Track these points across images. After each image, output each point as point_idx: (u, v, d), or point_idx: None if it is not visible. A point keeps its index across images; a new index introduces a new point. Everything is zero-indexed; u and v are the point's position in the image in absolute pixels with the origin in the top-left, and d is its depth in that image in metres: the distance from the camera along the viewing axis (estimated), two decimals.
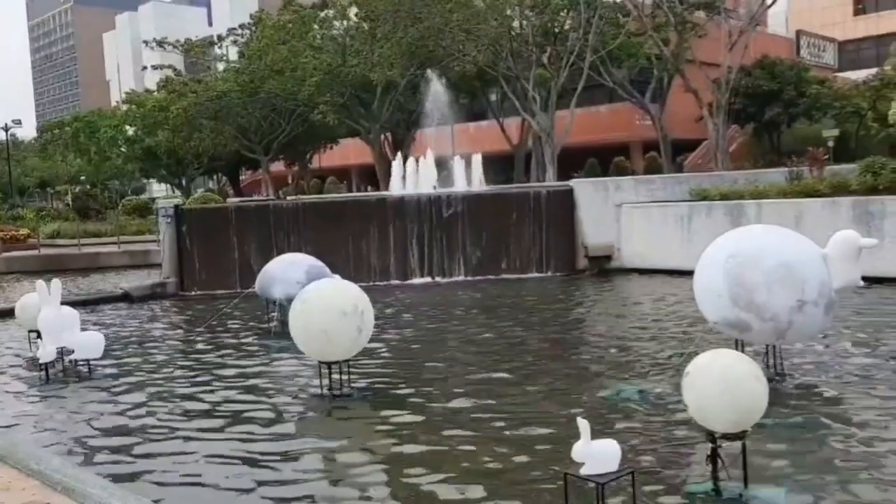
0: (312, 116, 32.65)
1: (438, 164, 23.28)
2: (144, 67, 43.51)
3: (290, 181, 60.34)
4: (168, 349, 11.83)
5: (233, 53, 41.63)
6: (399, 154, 25.23)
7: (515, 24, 28.83)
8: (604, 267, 17.94)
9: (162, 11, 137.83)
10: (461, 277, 17.99)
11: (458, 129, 53.80)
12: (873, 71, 50.09)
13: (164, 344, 12.30)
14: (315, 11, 35.39)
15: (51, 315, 10.14)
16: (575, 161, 40.37)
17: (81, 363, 10.16)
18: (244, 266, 18.04)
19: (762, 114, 42.42)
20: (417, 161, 23.74)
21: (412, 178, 23.20)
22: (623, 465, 4.61)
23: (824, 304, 7.71)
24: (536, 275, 18.04)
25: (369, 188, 51.37)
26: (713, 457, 5.34)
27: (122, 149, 44.78)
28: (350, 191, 55.92)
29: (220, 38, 38.01)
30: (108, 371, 10.29)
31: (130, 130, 43.42)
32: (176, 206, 17.95)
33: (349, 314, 8.27)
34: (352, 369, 8.78)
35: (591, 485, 4.53)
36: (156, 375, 9.98)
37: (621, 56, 35.50)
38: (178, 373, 10.07)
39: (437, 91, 38.51)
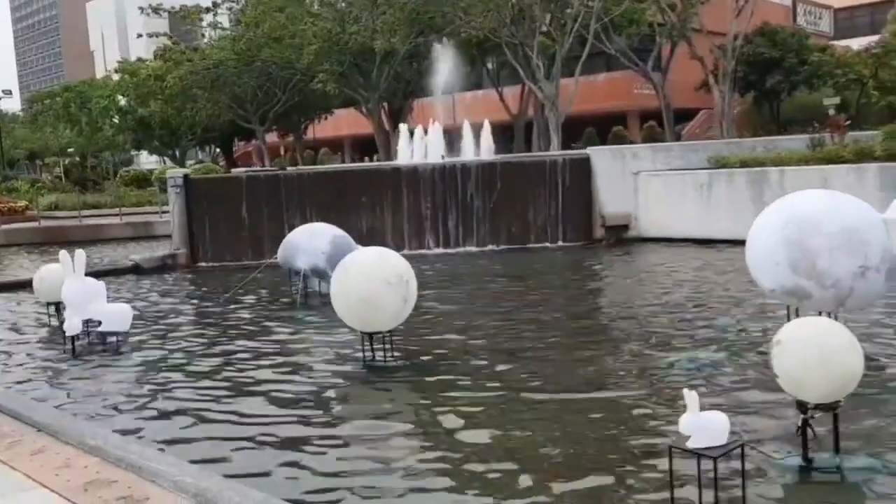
0: (312, 85, 32.07)
1: (445, 133, 22.93)
2: (140, 35, 42.52)
3: (282, 152, 59.64)
4: (192, 321, 11.56)
5: (226, 21, 40.79)
6: (404, 124, 24.80)
7: None
8: (621, 236, 17.73)
9: None
10: (476, 248, 17.76)
11: (456, 98, 53.28)
12: (873, 38, 49.81)
13: (188, 316, 12.02)
14: None
15: (76, 286, 9.82)
16: (572, 130, 39.99)
17: (109, 336, 9.88)
18: (255, 237, 17.75)
19: (763, 82, 42.07)
20: (425, 130, 23.36)
21: (419, 147, 22.85)
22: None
23: (886, 270, 7.52)
24: (553, 245, 17.83)
25: (365, 159, 50.85)
26: (804, 428, 5.16)
27: (115, 119, 44.01)
28: (344, 162, 55.34)
29: (216, 4, 37.16)
30: (137, 344, 10.02)
31: (123, 100, 42.63)
32: (185, 176, 17.57)
33: (394, 284, 8.02)
34: (392, 339, 8.52)
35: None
36: (185, 347, 9.73)
37: (623, 23, 35.01)
38: (208, 345, 9.81)
39: (438, 59, 38.00)
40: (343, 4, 32.56)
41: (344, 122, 56.05)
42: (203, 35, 38.28)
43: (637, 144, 21.61)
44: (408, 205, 17.80)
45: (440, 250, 17.69)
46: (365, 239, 16.78)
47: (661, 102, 35.95)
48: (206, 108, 37.10)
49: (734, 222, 16.21)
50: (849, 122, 16.86)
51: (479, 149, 22.54)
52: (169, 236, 22.86)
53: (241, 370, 8.51)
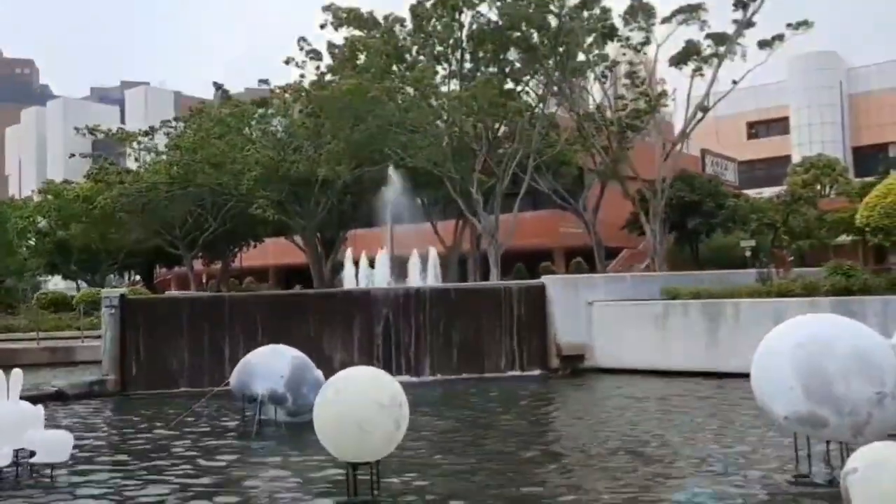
0: (251, 211, 31.63)
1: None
2: (72, 155, 41.51)
3: (204, 280, 58.07)
4: (135, 453, 10.32)
5: (161, 145, 40.39)
6: (349, 250, 24.49)
7: (468, 127, 29.19)
8: (577, 367, 17.41)
9: (72, 107, 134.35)
10: (430, 376, 17.06)
11: (391, 230, 53.58)
12: (774, 189, 53.56)
13: (129, 447, 10.76)
14: (254, 107, 34.96)
15: (10, 411, 8.69)
16: (502, 266, 40.58)
17: (44, 468, 8.65)
18: (194, 363, 16.60)
19: (684, 223, 44.10)
20: (370, 259, 23.07)
21: (366, 275, 22.46)
22: None
23: None
24: (509, 374, 17.33)
25: (297, 287, 49.92)
26: None
27: (31, 242, 42.09)
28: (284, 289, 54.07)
29: (153, 129, 36.89)
30: (74, 479, 8.79)
31: (42, 222, 40.96)
32: (122, 296, 16.47)
33: (387, 406, 7.33)
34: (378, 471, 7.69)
35: None
36: (129, 483, 8.57)
37: (553, 164, 36.43)
38: (156, 483, 8.66)
39: (376, 191, 38.38)
40: (283, 135, 32.84)
41: (271, 252, 55.41)
42: (136, 159, 37.67)
43: (590, 274, 21.73)
44: (359, 331, 17.11)
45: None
46: (319, 363, 15.96)
47: (592, 240, 36.96)
48: (134, 232, 35.93)
49: (689, 354, 16.24)
50: (791, 259, 17.38)
51: (425, 277, 22.33)
52: (92, 362, 21.33)
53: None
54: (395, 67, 29.33)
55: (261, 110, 35.23)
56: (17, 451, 8.56)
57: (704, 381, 14.99)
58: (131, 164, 38.11)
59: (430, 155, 27.97)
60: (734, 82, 33.72)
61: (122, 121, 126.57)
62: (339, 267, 41.69)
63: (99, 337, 24.26)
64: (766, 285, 16.32)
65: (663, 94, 35.83)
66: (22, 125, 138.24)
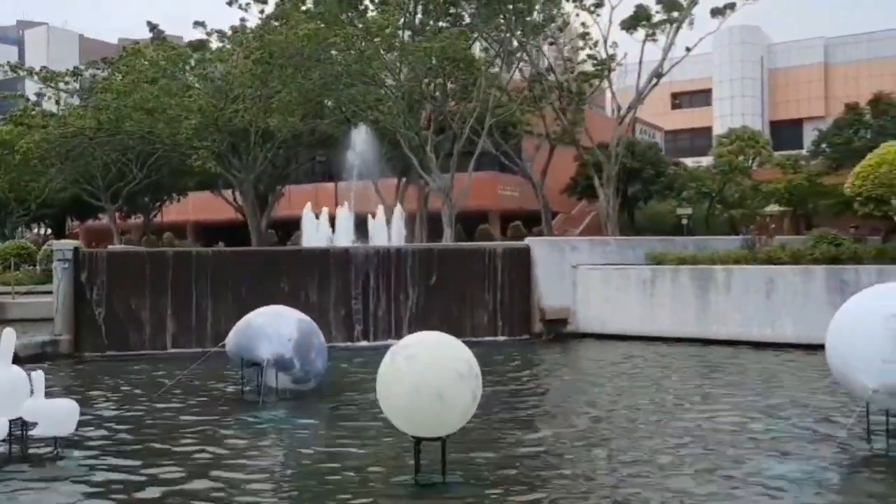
0: (191, 162, 29.69)
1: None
2: (5, 97, 37.76)
3: (115, 234, 55.04)
4: (130, 424, 9.19)
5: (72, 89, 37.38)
6: (308, 205, 23.18)
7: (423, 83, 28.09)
8: (560, 331, 16.99)
9: None
10: None
11: (329, 187, 52.08)
12: (707, 158, 54.80)
13: (121, 418, 9.60)
14: (188, 51, 32.69)
15: (2, 377, 7.49)
16: (438, 226, 40.00)
17: (45, 442, 7.53)
18: (157, 323, 15.30)
19: (624, 190, 44.46)
20: (331, 214, 21.92)
21: (326, 233, 21.34)
22: None
23: None
24: (491, 339, 16.73)
25: (220, 244, 47.80)
26: None
27: None
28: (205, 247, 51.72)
29: (79, 70, 34.00)
30: (80, 452, 7.69)
31: None
32: (75, 249, 14.93)
33: (465, 376, 6.57)
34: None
35: None
36: (136, 456, 7.56)
37: (501, 126, 35.81)
38: (166, 456, 7.68)
39: (321, 146, 36.81)
40: (220, 82, 30.83)
41: (191, 207, 52.93)
42: (57, 102, 34.73)
43: (573, 237, 21.32)
44: (336, 293, 16.14)
45: (369, 343, 16.04)
46: None
47: (540, 203, 36.65)
48: (58, 180, 33.27)
49: (678, 320, 16.05)
50: (774, 227, 17.38)
51: (389, 236, 21.43)
52: (26, 321, 19.58)
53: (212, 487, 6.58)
54: (344, 16, 27.79)
55: (196, 54, 33.01)
56: (16, 423, 7.40)
57: (712, 347, 14.77)
58: (51, 108, 35.09)
59: (389, 110, 26.77)
60: (687, 49, 33.76)
61: (23, 62, 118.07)
62: (271, 223, 40.13)
63: (31, 293, 22.37)
64: (756, 252, 16.24)
65: (612, 57, 35.55)
66: None
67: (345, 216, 21.21)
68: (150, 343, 15.09)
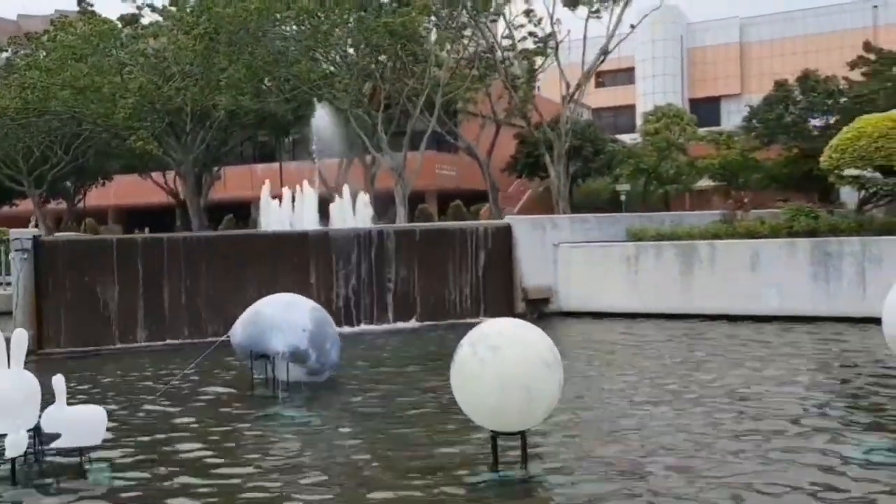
0: (131, 144, 28.03)
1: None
2: None
3: (34, 223, 52.09)
4: (144, 430, 8.42)
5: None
6: (266, 185, 22.13)
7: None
8: (543, 311, 16.81)
9: None
10: (394, 324, 15.82)
11: (264, 168, 50.50)
12: (634, 135, 55.70)
13: (132, 423, 8.79)
14: (116, 25, 30.78)
15: (15, 383, 6.68)
16: (378, 206, 39.38)
17: (70, 453, 6.77)
18: (126, 316, 14.32)
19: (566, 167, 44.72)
20: (292, 195, 21.03)
21: (286, 214, 20.45)
22: None
23: None
24: (473, 320, 16.29)
25: (146, 230, 45.75)
26: None
27: None
28: (124, 234, 49.41)
29: (1, 46, 31.60)
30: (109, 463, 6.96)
31: None
32: (35, 238, 13.77)
33: (551, 366, 6.19)
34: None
35: None
36: (167, 466, 6.91)
37: (445, 105, 35.35)
38: (200, 466, 7.04)
39: (261, 126, 35.44)
40: (156, 59, 29.19)
41: (113, 191, 50.52)
42: None
43: (554, 215, 21.13)
44: (316, 276, 15.47)
45: (353, 328, 15.48)
46: None
47: (487, 182, 36.44)
48: None
49: (662, 296, 16.09)
50: (747, 202, 17.63)
51: (355, 217, 20.74)
52: None
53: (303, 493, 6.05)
54: None
55: (127, 29, 31.17)
56: (33, 434, 6.61)
57: (708, 323, 14.83)
58: None
59: (343, 87, 25.90)
60: (632, 26, 34.02)
61: None
62: (209, 205, 38.56)
63: None
64: (735, 226, 16.39)
65: (552, 34, 35.48)
66: None
67: (309, 197, 20.35)
68: (121, 337, 14.10)
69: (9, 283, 20.29)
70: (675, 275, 15.89)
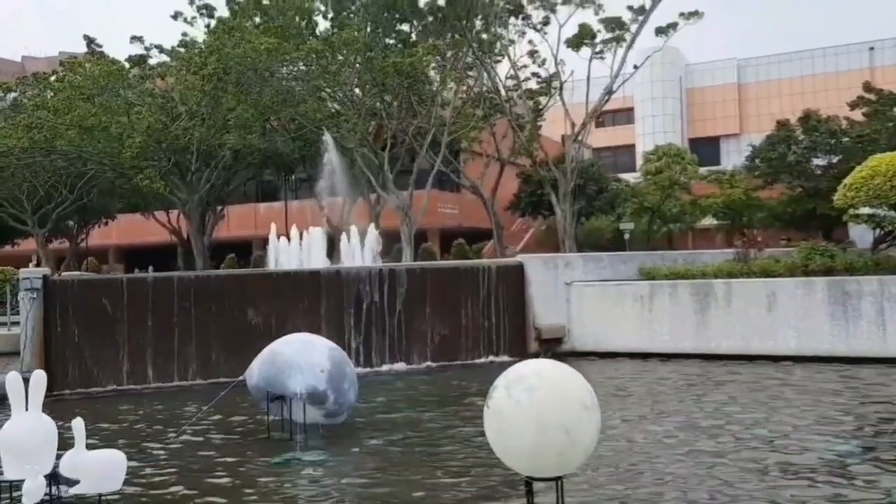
0: (138, 182, 28.04)
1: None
2: None
3: (36, 262, 51.88)
4: (164, 474, 8.16)
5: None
6: (273, 225, 22.09)
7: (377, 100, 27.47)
8: (555, 351, 16.57)
9: None
10: (406, 364, 15.59)
11: (269, 207, 50.55)
12: (635, 174, 56.01)
13: (151, 467, 8.53)
14: (124, 66, 31.04)
15: (32, 425, 6.48)
16: (388, 244, 39.30)
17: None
18: (136, 356, 14.10)
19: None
20: (301, 234, 20.97)
21: (294, 253, 20.36)
22: None
23: None
24: (486, 360, 16.20)
25: (149, 269, 45.56)
26: None
27: None
28: (128, 272, 49.23)
29: (8, 87, 31.76)
30: None
31: None
32: (45, 277, 13.61)
33: (590, 408, 5.99)
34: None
35: None
36: None
37: (454, 143, 35.56)
38: None
39: (266, 165, 35.52)
40: (162, 99, 29.36)
41: (114, 231, 50.54)
42: None
43: (566, 254, 21.01)
44: (328, 316, 15.29)
45: (365, 369, 15.23)
46: None
47: (491, 220, 36.47)
48: None
49: (677, 336, 15.90)
50: (760, 240, 17.53)
51: (363, 256, 20.64)
52: None
53: None
54: (302, 30, 26.97)
55: (135, 70, 31.45)
56: (51, 480, 6.38)
57: (724, 363, 14.62)
58: None
59: (353, 126, 26.01)
60: (635, 67, 34.35)
61: None
62: (213, 244, 38.43)
63: None
64: (747, 265, 16.27)
65: (555, 75, 35.82)
66: None
67: (317, 236, 20.28)
68: (131, 378, 13.86)
69: (14, 323, 20.14)
70: (690, 314, 15.72)
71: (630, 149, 79.61)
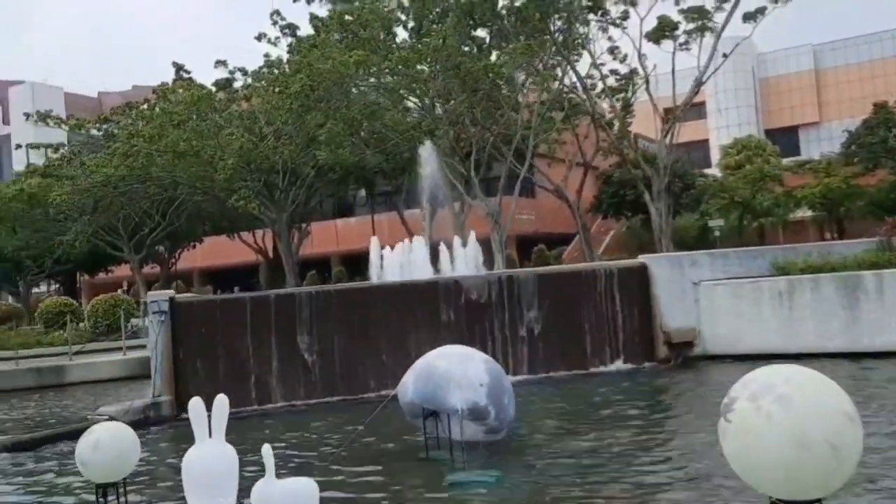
0: (233, 203, 28.27)
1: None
2: (18, 146, 35.96)
3: (125, 288, 53.15)
4: (336, 497, 7.70)
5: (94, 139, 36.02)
6: (375, 237, 21.76)
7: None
8: (686, 355, 15.68)
9: None
10: (528, 374, 14.92)
11: (345, 223, 50.74)
12: (712, 170, 54.09)
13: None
14: (211, 90, 31.43)
15: (217, 455, 6.09)
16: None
17: None
18: (262, 375, 13.84)
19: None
20: (402, 246, 20.56)
21: (398, 263, 19.95)
22: None
23: None
24: (612, 367, 15.41)
25: (236, 289, 46.15)
26: None
27: None
28: (215, 293, 50.07)
29: (106, 119, 32.60)
30: None
31: None
32: (171, 300, 13.49)
33: (853, 419, 5.24)
34: None
35: None
36: None
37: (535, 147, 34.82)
38: None
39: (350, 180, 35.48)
40: (248, 121, 29.56)
41: (200, 253, 51.37)
42: (78, 153, 33.15)
43: (696, 251, 20.12)
44: (447, 326, 14.75)
45: None
46: (401, 368, 13.59)
47: (577, 224, 35.54)
48: (82, 234, 31.56)
49: (823, 334, 14.81)
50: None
51: (466, 265, 20.09)
52: (85, 383, 18.17)
53: None
54: (385, 40, 26.73)
55: (221, 94, 31.83)
56: None
57: (882, 361, 13.52)
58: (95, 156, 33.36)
59: (443, 134, 25.58)
60: (724, 56, 33.04)
61: (5, 121, 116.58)
62: (298, 261, 38.61)
63: (84, 353, 20.80)
64: (892, 255, 15.07)
65: (634, 71, 34.74)
66: None
67: (419, 247, 19.84)
68: (257, 398, 13.60)
69: (130, 348, 20.38)
70: (836, 310, 14.61)
71: (703, 144, 77.45)
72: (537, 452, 9.00)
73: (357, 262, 40.89)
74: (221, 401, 6.32)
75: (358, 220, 50.68)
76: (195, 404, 6.22)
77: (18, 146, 35.61)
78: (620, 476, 7.66)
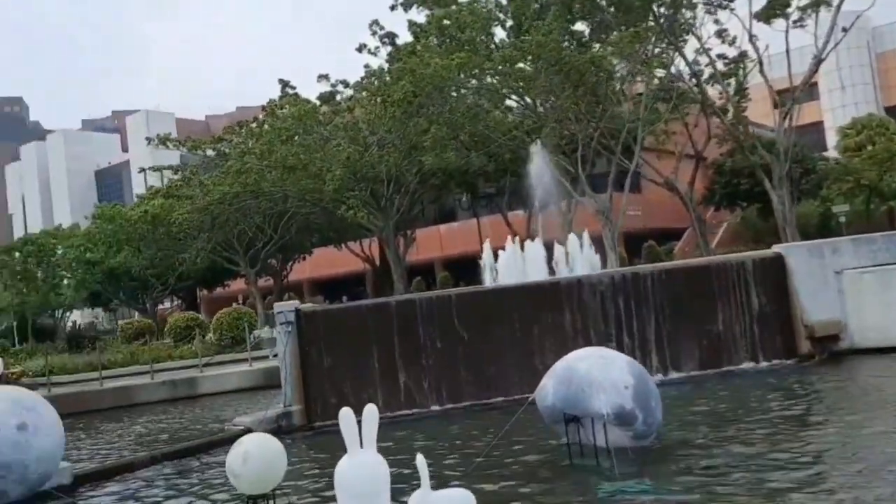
0: (342, 213, 28.74)
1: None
2: (142, 170, 38.27)
3: (240, 301, 55.04)
4: None
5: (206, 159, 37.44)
6: (486, 240, 21.58)
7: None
8: (832, 349, 14.60)
9: (72, 139, 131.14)
10: (664, 375, 14.21)
11: (448, 228, 50.75)
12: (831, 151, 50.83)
13: None
14: (316, 104, 32.07)
15: (369, 465, 5.93)
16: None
17: None
18: (389, 382, 13.79)
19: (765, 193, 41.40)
20: (522, 246, 20.23)
21: (515, 264, 19.58)
22: None
23: None
24: (752, 365, 14.52)
25: (344, 298, 46.90)
26: None
27: (79, 272, 38.99)
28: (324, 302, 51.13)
29: (220, 138, 34.02)
30: None
31: (93, 251, 37.85)
32: (297, 311, 13.63)
33: None
34: None
35: None
36: None
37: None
38: None
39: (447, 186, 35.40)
40: (353, 132, 29.93)
41: (309, 264, 52.50)
42: (194, 174, 34.60)
43: (838, 238, 19.00)
44: (573, 327, 14.28)
45: None
46: (526, 371, 13.23)
47: (692, 217, 34.22)
48: (203, 251, 32.90)
49: None
50: None
51: (582, 263, 19.52)
52: (215, 394, 18.69)
53: None
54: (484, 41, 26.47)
55: (325, 107, 32.44)
56: None
57: None
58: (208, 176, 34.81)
59: (551, 132, 25.12)
60: (844, 29, 31.10)
61: (124, 148, 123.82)
62: (406, 268, 38.86)
63: (212, 364, 21.52)
64: None
65: (743, 54, 33.09)
66: (23, 162, 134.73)
67: (535, 249, 19.44)
68: (384, 405, 13.51)
69: (255, 359, 20.96)
70: None
71: (817, 126, 73.43)
72: (692, 459, 8.43)
73: (461, 267, 40.84)
74: (371, 410, 6.15)
75: (461, 224, 50.55)
76: (345, 414, 6.09)
77: (142, 170, 37.55)
78: (803, 486, 7.01)
